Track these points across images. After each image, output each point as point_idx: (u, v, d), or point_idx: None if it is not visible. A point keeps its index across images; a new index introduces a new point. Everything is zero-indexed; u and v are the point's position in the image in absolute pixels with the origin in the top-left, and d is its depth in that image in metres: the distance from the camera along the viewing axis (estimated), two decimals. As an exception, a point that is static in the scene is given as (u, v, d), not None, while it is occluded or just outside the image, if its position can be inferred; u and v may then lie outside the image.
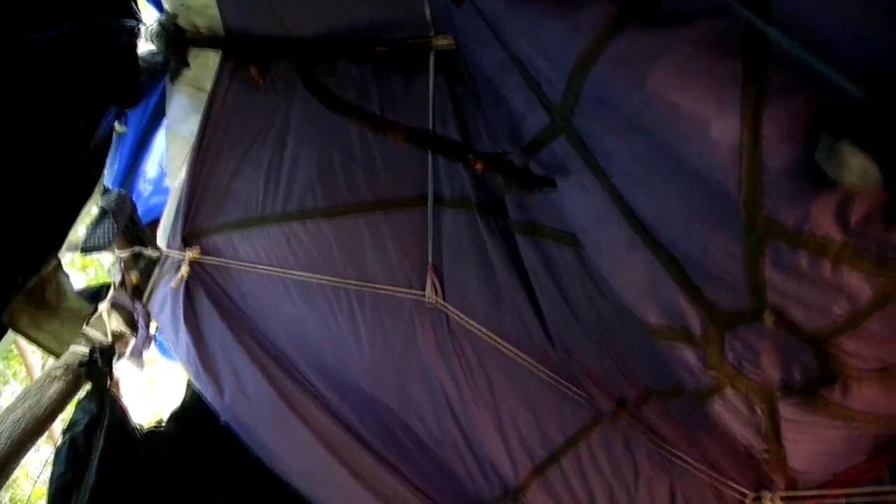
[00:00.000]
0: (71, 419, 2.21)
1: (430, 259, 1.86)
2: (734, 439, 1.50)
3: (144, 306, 2.42)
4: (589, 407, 1.75)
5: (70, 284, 2.37)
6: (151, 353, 2.80)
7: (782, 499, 1.75)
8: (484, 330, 1.77)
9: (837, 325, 1.19)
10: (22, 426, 2.16)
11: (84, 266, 4.84)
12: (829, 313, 1.18)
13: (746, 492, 1.77)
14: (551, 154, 1.41)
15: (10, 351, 5.30)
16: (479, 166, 1.44)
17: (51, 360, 2.42)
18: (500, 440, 1.82)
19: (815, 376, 1.29)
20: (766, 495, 1.75)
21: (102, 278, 4.33)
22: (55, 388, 2.25)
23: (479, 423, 1.81)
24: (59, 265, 2.26)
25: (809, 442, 1.46)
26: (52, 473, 2.11)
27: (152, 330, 2.50)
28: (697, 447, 1.67)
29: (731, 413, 1.40)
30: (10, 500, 5.51)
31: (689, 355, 1.35)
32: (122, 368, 2.59)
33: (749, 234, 1.15)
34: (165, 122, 2.63)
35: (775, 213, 1.11)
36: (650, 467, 1.77)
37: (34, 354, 4.80)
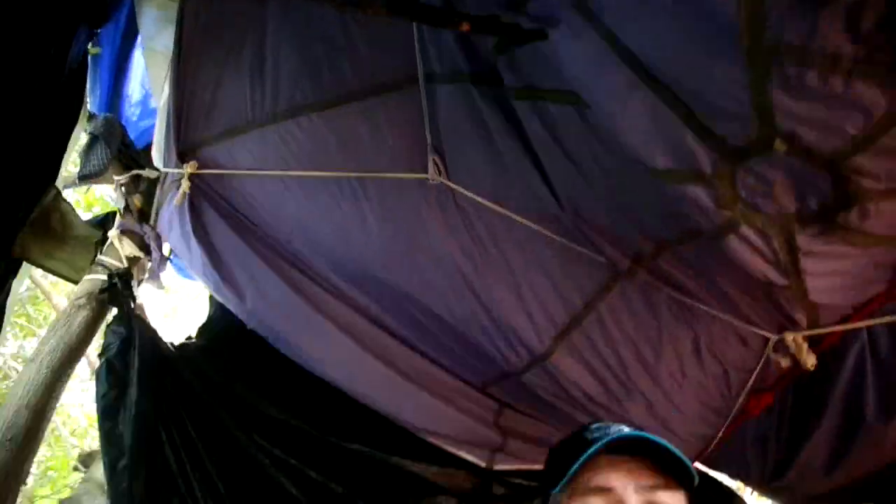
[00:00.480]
0: (104, 344, 2.26)
1: (428, 138, 1.81)
2: (753, 278, 1.50)
3: (153, 228, 2.42)
4: (606, 267, 1.74)
5: (74, 212, 2.37)
6: (170, 276, 2.84)
7: (805, 338, 1.77)
8: (491, 202, 1.75)
9: (852, 144, 1.15)
10: (58, 355, 2.23)
11: (89, 205, 4.85)
12: (843, 132, 1.13)
13: (769, 334, 1.79)
14: (540, 4, 1.33)
15: (36, 297, 5.42)
16: (466, 27, 1.36)
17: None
18: (521, 310, 1.83)
19: (832, 202, 1.26)
20: (789, 336, 1.76)
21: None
22: (82, 317, 2.31)
23: (498, 297, 1.83)
24: (58, 194, 2.25)
25: (829, 273, 1.45)
26: (97, 394, 2.19)
27: (165, 251, 2.52)
28: (717, 294, 1.67)
29: (748, 249, 1.38)
30: (70, 433, 5.80)
31: (701, 196, 1.32)
32: (145, 294, 2.63)
33: (753, 57, 1.08)
34: (140, 38, 2.53)
35: (780, 29, 1.04)
36: (672, 319, 1.78)
37: (59, 296, 4.91)
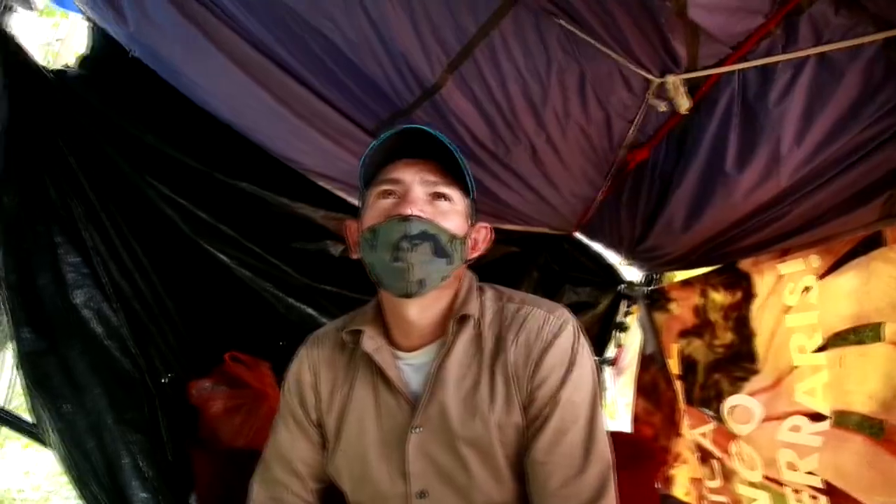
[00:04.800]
0: (-37, 58, 2.08)
1: None
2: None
3: (17, -65, 2.15)
4: (501, -9, 1.70)
5: None
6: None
7: (683, 81, 1.84)
8: None
9: None
10: None
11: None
12: None
13: (651, 77, 1.85)
14: None
15: None
16: None
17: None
18: (414, 34, 1.78)
19: None
20: (670, 78, 1.83)
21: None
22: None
23: (391, 17, 1.76)
24: None
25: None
26: (-44, 110, 2.05)
27: (37, -30, 2.26)
28: (609, 24, 1.68)
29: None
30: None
31: None
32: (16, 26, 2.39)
33: None
34: None
35: None
36: (561, 53, 1.79)
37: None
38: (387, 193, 1.32)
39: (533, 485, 1.30)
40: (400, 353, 1.41)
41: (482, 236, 1.47)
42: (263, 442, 1.65)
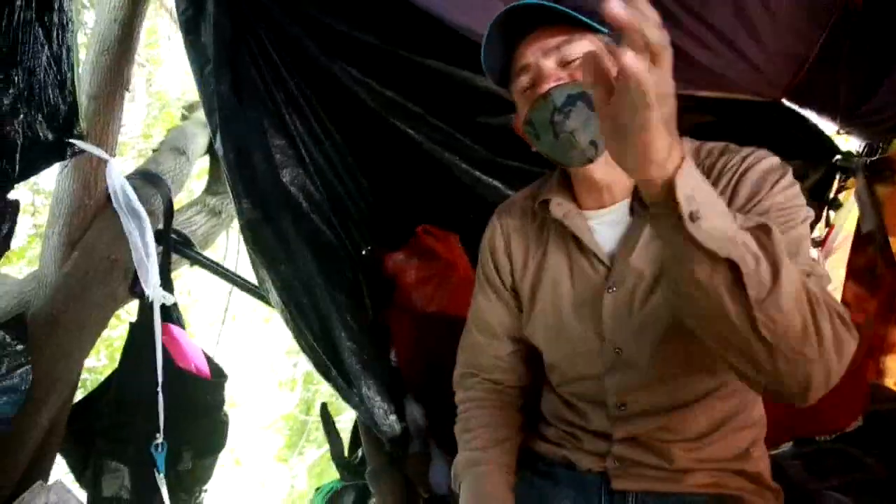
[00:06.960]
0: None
1: None
2: None
3: None
4: None
5: None
6: None
7: None
8: None
9: None
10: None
11: None
12: None
13: None
14: None
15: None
16: None
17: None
18: None
19: None
20: None
21: None
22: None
23: None
24: None
25: None
26: (178, 10, 2.28)
27: None
28: None
29: None
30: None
31: None
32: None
33: None
34: None
35: None
36: None
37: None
38: (524, 84, 1.29)
39: None
40: (590, 214, 1.39)
41: None
42: (454, 308, 1.74)
